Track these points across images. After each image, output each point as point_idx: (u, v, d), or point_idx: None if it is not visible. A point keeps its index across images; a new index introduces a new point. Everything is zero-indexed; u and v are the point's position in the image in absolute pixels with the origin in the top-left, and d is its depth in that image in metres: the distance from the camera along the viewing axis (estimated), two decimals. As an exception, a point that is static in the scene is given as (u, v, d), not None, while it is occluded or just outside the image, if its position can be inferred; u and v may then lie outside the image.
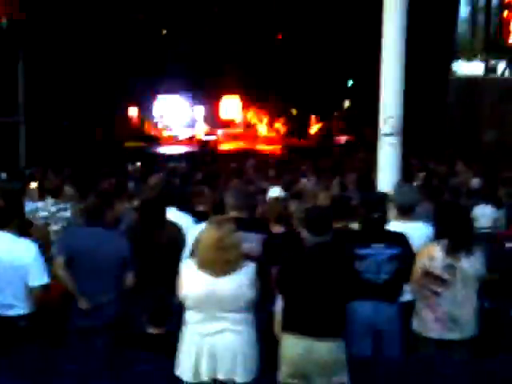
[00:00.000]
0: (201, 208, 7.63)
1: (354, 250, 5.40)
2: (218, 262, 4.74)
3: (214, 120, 29.50)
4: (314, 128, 29.34)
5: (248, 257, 5.07)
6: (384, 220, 5.69)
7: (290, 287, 4.93)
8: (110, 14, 22.99)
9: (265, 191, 8.82)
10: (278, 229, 6.29)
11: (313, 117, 29.34)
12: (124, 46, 24.46)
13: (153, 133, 28.31)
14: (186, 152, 24.64)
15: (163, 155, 23.97)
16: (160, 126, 28.93)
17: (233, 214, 5.95)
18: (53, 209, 8.02)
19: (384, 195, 6.11)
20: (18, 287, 5.36)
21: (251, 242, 5.63)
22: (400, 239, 5.58)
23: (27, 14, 20.70)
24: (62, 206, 8.14)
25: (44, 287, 5.42)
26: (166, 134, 28.56)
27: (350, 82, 30.01)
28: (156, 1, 25.18)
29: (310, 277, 4.84)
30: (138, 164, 17.38)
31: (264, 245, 5.81)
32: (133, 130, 27.43)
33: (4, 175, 13.82)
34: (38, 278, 5.37)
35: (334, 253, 4.93)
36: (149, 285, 5.87)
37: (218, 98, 29.73)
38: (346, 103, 30.55)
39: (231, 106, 30.12)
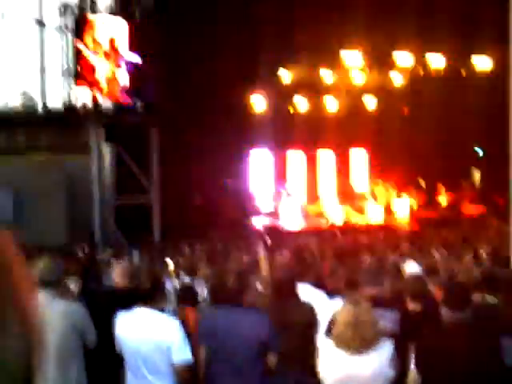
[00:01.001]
0: (335, 284, 7.59)
1: (500, 336, 5.15)
2: (355, 341, 4.70)
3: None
4: (444, 199, 28.82)
5: (385, 335, 5.00)
6: None
7: (428, 365, 4.82)
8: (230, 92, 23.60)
9: (398, 266, 8.69)
10: (414, 306, 6.18)
11: (442, 187, 28.84)
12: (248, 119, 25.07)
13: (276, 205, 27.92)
14: (314, 227, 24.62)
15: (291, 231, 24.05)
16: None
17: (368, 290, 5.90)
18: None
19: None
20: (160, 364, 5.42)
21: (387, 319, 5.55)
22: None
23: (160, 96, 21.65)
24: (196, 283, 8.29)
25: (187, 364, 5.44)
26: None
27: (481, 151, 29.56)
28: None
29: (450, 355, 4.72)
30: (269, 240, 17.49)
31: (401, 322, 5.71)
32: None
33: (137, 253, 14.24)
34: (181, 354, 5.39)
35: (475, 330, 4.80)
36: (285, 365, 5.84)
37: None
38: (476, 172, 30.01)
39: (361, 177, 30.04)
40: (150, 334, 5.45)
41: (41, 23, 21.69)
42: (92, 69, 21.31)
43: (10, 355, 1.02)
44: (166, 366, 5.42)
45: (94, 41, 21.39)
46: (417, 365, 4.90)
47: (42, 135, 21.44)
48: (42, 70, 21.69)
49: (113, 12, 22.30)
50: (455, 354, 4.69)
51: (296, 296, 6.33)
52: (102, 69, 21.50)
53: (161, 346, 5.41)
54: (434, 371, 4.78)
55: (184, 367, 5.43)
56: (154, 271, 6.58)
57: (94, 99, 21.52)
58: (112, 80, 21.66)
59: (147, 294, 5.63)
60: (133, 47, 21.89)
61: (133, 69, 22.00)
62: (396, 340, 5.01)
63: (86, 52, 21.27)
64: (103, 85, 21.49)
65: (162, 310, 5.65)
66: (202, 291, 8.16)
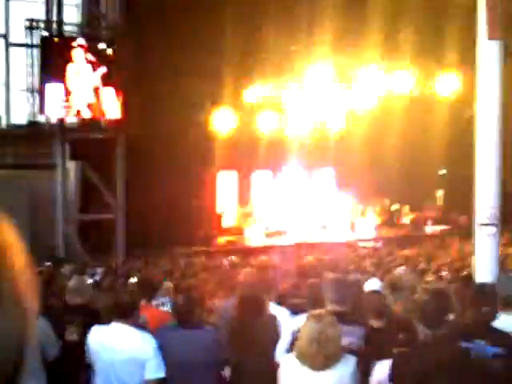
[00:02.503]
0: (297, 301, 7.58)
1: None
2: (318, 356, 4.66)
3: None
4: (407, 218, 29.04)
5: (349, 351, 5.00)
6: (493, 315, 5.48)
7: (404, 381, 4.79)
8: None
9: (360, 283, 8.69)
10: (376, 322, 6.18)
11: (406, 206, 29.08)
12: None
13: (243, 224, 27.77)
14: (276, 244, 24.66)
15: (254, 248, 24.02)
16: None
17: (331, 307, 5.88)
18: (152, 304, 8.09)
19: (495, 288, 5.87)
20: (135, 380, 5.40)
21: (352, 335, 5.55)
22: (505, 339, 5.33)
23: (125, 113, 21.60)
24: (160, 300, 8.23)
25: (160, 381, 5.43)
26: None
27: (443, 171, 29.89)
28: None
29: (427, 372, 4.70)
30: (233, 258, 17.49)
31: (366, 339, 5.70)
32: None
33: (101, 269, 14.16)
34: (155, 371, 5.39)
35: (450, 346, 4.80)
36: (247, 378, 5.84)
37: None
38: (439, 192, 30.33)
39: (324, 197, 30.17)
40: (125, 350, 5.43)
41: (6, 39, 21.56)
42: (58, 86, 21.21)
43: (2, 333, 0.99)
44: (138, 382, 5.41)
45: (60, 58, 21.30)
46: (391, 380, 4.87)
47: (6, 151, 21.23)
48: (7, 86, 21.54)
49: (80, 30, 22.27)
50: (431, 372, 4.68)
51: (260, 313, 6.32)
52: (68, 86, 21.40)
53: (136, 361, 5.39)
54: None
55: (156, 383, 5.42)
56: (130, 288, 6.56)
57: (60, 116, 21.43)
58: (78, 97, 21.56)
59: (126, 309, 5.61)
60: (99, 65, 21.85)
61: (98, 86, 21.95)
62: (361, 356, 5.01)
63: (52, 69, 21.20)
64: (69, 102, 21.38)
65: (137, 326, 5.62)
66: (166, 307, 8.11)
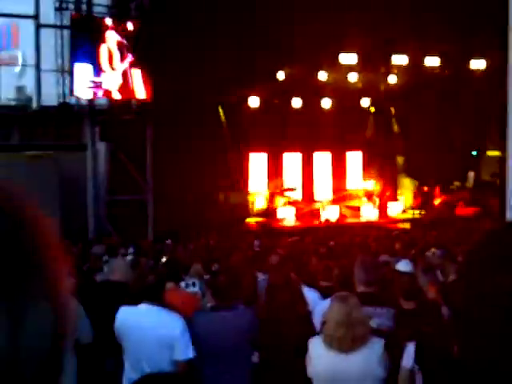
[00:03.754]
0: (328, 283, 7.53)
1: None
2: (345, 338, 4.64)
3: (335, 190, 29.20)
4: (438, 200, 28.81)
5: (377, 332, 4.96)
6: None
7: (429, 365, 4.75)
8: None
9: (390, 264, 8.63)
10: (407, 304, 6.12)
11: (436, 188, 28.83)
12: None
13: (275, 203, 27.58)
14: (307, 226, 24.61)
15: (283, 229, 24.01)
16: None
17: (361, 288, 5.85)
18: (182, 285, 8.10)
19: None
20: (164, 360, 5.40)
21: (381, 317, 5.50)
22: None
23: (155, 96, 21.61)
24: (189, 281, 8.22)
25: (188, 362, 5.43)
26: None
27: (475, 153, 29.61)
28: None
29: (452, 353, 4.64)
30: (263, 239, 17.49)
31: (396, 320, 5.64)
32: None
33: (131, 250, 14.21)
34: (184, 352, 5.39)
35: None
36: (277, 362, 5.82)
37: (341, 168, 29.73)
38: (471, 174, 30.03)
39: (354, 178, 30.03)
40: (153, 330, 5.44)
41: (37, 20, 21.63)
42: (88, 67, 21.30)
43: (32, 331, 0.87)
44: (166, 362, 5.40)
45: (90, 39, 21.37)
46: (418, 363, 4.82)
47: (37, 132, 21.37)
48: (38, 68, 21.62)
49: (109, 10, 22.29)
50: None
51: (290, 295, 6.26)
52: (99, 67, 21.47)
53: (164, 342, 5.40)
54: (434, 371, 4.70)
55: (185, 364, 5.41)
56: (159, 269, 6.58)
57: (90, 97, 21.52)
58: (109, 78, 21.62)
59: (153, 290, 5.64)
60: (128, 46, 21.87)
61: (128, 67, 21.99)
62: (390, 338, 4.96)
63: (82, 49, 21.27)
64: (99, 83, 21.46)
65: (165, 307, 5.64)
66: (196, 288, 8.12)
